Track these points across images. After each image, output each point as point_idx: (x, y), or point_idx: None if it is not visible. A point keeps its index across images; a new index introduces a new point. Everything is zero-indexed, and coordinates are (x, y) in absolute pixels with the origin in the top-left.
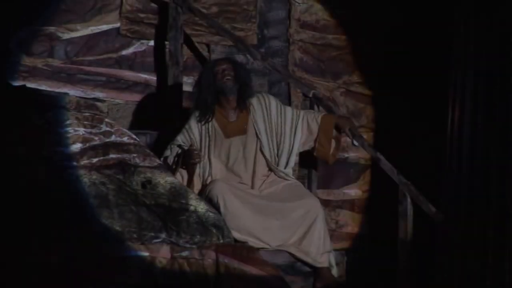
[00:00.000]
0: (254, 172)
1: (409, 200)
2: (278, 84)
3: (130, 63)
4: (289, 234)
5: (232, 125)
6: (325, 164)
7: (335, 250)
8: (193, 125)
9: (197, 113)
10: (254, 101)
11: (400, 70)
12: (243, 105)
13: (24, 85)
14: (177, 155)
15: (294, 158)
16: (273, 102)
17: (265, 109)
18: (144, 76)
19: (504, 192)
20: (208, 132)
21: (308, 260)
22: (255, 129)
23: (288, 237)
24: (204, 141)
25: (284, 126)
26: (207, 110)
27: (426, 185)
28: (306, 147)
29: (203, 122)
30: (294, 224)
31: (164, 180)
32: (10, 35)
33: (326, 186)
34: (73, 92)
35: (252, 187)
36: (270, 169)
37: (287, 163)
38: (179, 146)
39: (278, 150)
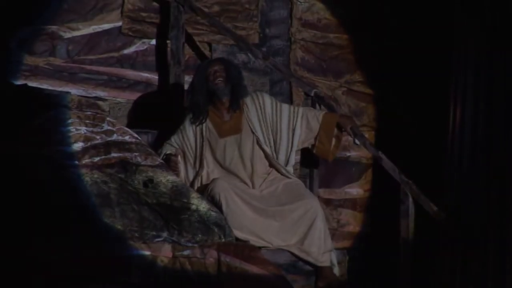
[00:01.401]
0: (253, 170)
1: (410, 199)
2: (279, 83)
3: (131, 62)
4: (289, 235)
5: (226, 124)
6: (327, 163)
7: (337, 249)
8: (188, 126)
9: (191, 115)
10: (248, 100)
11: (402, 69)
12: (236, 106)
13: (26, 84)
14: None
15: (294, 156)
16: (268, 100)
17: (259, 108)
18: (145, 75)
19: (505, 191)
20: (202, 133)
21: (310, 259)
22: (250, 126)
23: (289, 238)
24: (198, 142)
25: (280, 124)
26: (200, 112)
27: (427, 184)
28: (306, 145)
29: (197, 124)
30: (293, 225)
31: (165, 179)
32: (11, 34)
33: (328, 185)
34: (74, 91)
35: (253, 186)
36: (271, 166)
37: (287, 162)
38: (167, 154)
39: (275, 147)
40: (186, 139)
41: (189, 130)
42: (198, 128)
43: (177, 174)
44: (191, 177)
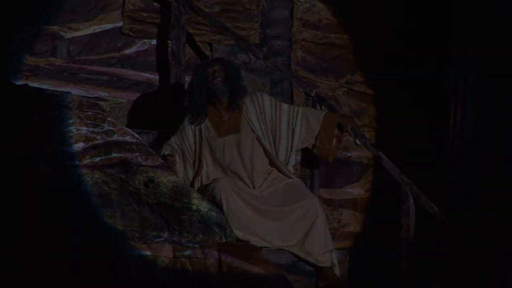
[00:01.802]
0: (253, 169)
1: (411, 199)
2: (280, 83)
3: (132, 62)
4: (290, 235)
5: (225, 124)
6: (327, 163)
7: (338, 249)
8: (187, 126)
9: (190, 115)
10: (247, 100)
11: (402, 69)
12: (235, 105)
13: (27, 84)
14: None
15: (294, 157)
16: (267, 100)
17: (258, 108)
18: (146, 75)
19: (506, 191)
20: (201, 133)
21: (310, 259)
22: (249, 125)
23: (289, 238)
24: (198, 142)
25: (280, 124)
26: (199, 112)
27: (428, 184)
28: (306, 145)
29: (196, 124)
30: (294, 225)
31: (166, 179)
32: (12, 35)
33: (329, 185)
34: (75, 91)
35: (253, 186)
36: (272, 165)
37: (287, 162)
38: (164, 155)
39: (274, 147)
40: (185, 139)
41: (188, 130)
42: (197, 128)
43: (175, 174)
44: (190, 177)
